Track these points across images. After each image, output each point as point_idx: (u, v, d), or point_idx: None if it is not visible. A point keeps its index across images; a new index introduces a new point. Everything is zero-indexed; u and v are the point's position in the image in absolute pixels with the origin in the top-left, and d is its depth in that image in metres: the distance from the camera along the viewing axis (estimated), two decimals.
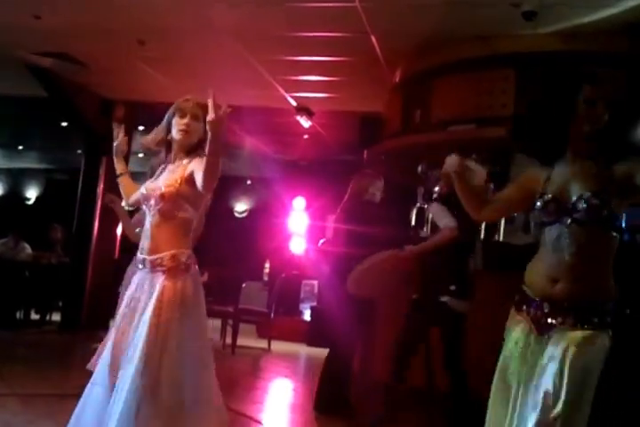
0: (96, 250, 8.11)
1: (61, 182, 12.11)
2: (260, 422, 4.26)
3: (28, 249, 8.59)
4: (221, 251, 10.88)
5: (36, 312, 8.44)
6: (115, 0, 5.14)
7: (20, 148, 11.52)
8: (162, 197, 2.49)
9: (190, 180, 2.46)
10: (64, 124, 8.94)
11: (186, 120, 2.56)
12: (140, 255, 2.54)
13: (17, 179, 13.31)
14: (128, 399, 2.29)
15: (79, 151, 9.22)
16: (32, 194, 13.19)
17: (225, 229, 11.80)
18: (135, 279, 2.57)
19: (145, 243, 2.53)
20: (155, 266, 2.47)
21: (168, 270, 2.45)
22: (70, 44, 6.27)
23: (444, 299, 3.80)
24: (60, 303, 8.43)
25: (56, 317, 8.30)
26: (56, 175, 12.78)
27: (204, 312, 2.55)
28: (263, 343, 7.60)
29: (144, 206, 2.61)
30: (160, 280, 2.44)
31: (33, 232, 8.79)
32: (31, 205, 12.89)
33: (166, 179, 2.55)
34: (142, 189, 2.63)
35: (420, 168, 4.20)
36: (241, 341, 7.44)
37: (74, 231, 8.28)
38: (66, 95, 7.60)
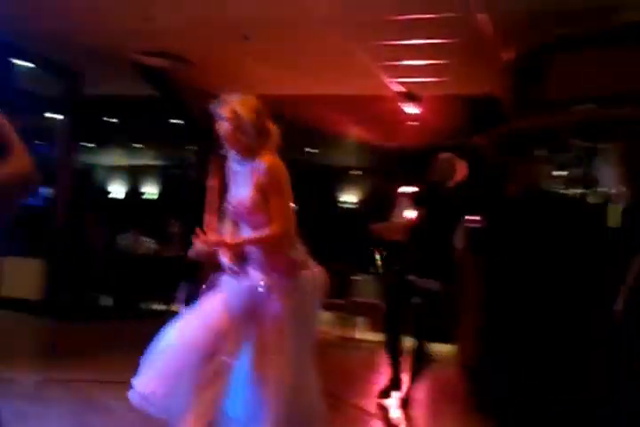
0: None
1: (178, 178, 12.64)
2: (378, 417, 4.26)
3: (150, 243, 9.05)
4: (329, 243, 10.97)
5: (160, 303, 8.90)
6: (219, 0, 5.28)
7: (139, 146, 12.16)
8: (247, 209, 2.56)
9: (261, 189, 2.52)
10: (176, 121, 9.33)
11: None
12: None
13: (136, 176, 14.06)
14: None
15: (191, 147, 9.60)
16: (150, 190, 13.89)
17: (332, 221, 11.89)
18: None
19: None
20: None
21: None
22: (178, 43, 6.51)
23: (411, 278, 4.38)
24: (183, 294, 8.80)
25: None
26: (172, 171, 13.37)
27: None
28: (378, 336, 7.57)
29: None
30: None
31: (153, 226, 9.25)
32: (150, 201, 13.57)
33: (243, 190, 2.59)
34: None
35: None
36: (355, 334, 7.46)
37: (189, 225, 8.61)
38: (175, 93, 7.93)
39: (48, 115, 8.20)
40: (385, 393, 4.50)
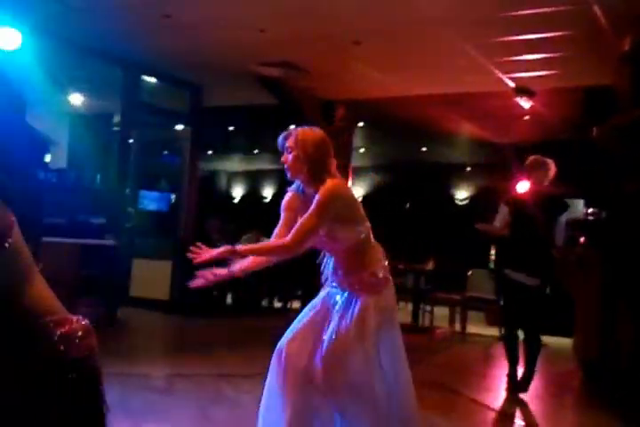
0: None
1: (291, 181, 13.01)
2: (494, 410, 4.25)
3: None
4: (444, 239, 10.90)
5: (279, 300, 9.27)
6: (330, 8, 5.46)
7: (256, 151, 12.67)
8: None
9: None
10: (292, 127, 9.64)
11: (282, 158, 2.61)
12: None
13: (255, 180, 14.65)
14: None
15: None
16: (268, 193, 14.42)
17: (446, 217, 11.81)
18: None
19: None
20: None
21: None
22: (292, 52, 6.75)
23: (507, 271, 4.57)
24: (300, 292, 9.13)
25: (296, 304, 9.04)
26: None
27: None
28: (493, 331, 7.50)
29: None
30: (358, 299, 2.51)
31: (272, 228, 9.60)
32: (268, 203, 14.10)
33: None
34: None
35: None
36: (470, 328, 7.42)
37: None
38: (293, 100, 8.23)
39: (174, 127, 8.79)
40: (512, 388, 4.54)
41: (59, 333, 1.29)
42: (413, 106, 8.26)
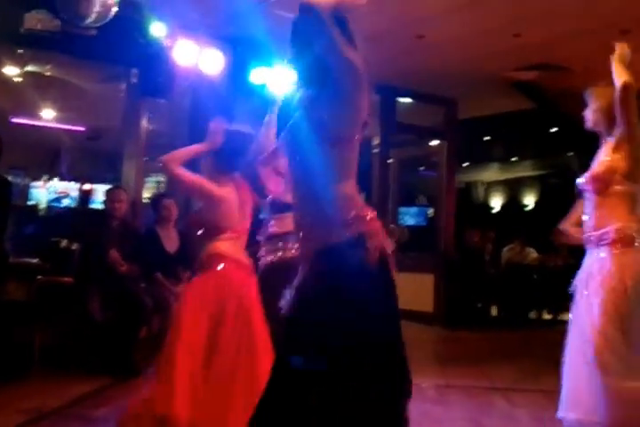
0: None
1: (557, 186, 12.38)
2: None
3: (534, 253, 9.07)
4: None
5: (549, 312, 8.83)
6: (588, 2, 5.16)
7: (514, 159, 12.32)
8: (591, 178, 2.77)
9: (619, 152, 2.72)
10: (553, 129, 9.22)
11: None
12: (586, 234, 2.79)
13: (514, 188, 14.20)
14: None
15: (570, 154, 9.34)
16: (529, 200, 13.86)
17: None
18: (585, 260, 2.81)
19: (588, 222, 2.79)
20: (599, 241, 2.68)
21: (612, 243, 2.63)
22: (550, 53, 6.51)
23: None
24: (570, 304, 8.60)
25: (567, 317, 8.51)
26: (551, 180, 13.15)
27: None
28: None
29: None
30: (606, 253, 2.64)
31: (536, 236, 9.24)
32: (530, 211, 13.55)
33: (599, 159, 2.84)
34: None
35: None
36: None
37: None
38: (551, 102, 7.86)
39: (430, 143, 8.96)
40: None
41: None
42: None
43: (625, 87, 2.70)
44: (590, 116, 2.95)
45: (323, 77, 1.86)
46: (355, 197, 1.93)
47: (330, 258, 1.81)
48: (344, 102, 1.85)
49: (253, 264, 3.19)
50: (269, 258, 3.43)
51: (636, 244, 2.64)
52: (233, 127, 3.12)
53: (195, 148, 3.01)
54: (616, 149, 2.74)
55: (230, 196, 2.99)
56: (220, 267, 2.92)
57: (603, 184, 2.72)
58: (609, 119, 2.82)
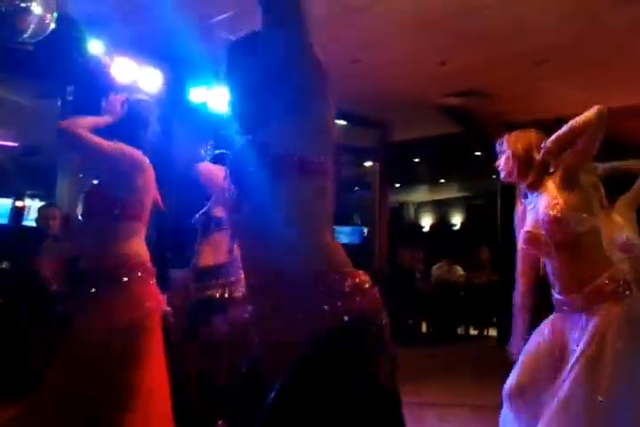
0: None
1: (480, 207, 12.91)
2: None
3: (460, 271, 9.41)
4: None
5: (474, 328, 9.16)
6: (512, 30, 5.49)
7: (442, 181, 12.77)
8: (550, 224, 2.43)
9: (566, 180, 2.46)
10: (477, 153, 9.65)
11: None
12: (560, 297, 2.47)
13: (442, 209, 14.70)
14: None
15: (494, 177, 9.75)
16: (457, 220, 14.36)
17: None
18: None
19: (562, 282, 2.47)
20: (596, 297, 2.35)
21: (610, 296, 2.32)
22: (475, 79, 6.84)
23: None
24: (495, 319, 8.96)
25: (493, 332, 8.86)
26: (475, 202, 13.69)
27: None
28: None
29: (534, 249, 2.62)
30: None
31: (462, 255, 9.60)
32: (457, 231, 14.03)
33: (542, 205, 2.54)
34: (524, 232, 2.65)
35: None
36: None
37: (497, 251, 8.79)
38: (478, 127, 8.27)
39: (364, 163, 9.20)
40: None
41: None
42: (610, 119, 7.84)
43: (601, 111, 2.46)
44: (504, 164, 2.69)
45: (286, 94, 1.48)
46: (339, 251, 1.44)
47: (322, 358, 1.32)
48: (310, 119, 1.49)
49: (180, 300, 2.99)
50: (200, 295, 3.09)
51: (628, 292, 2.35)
52: (133, 98, 3.02)
53: (95, 118, 2.81)
54: (564, 184, 2.47)
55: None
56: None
57: (568, 227, 2.37)
58: (525, 165, 2.60)
